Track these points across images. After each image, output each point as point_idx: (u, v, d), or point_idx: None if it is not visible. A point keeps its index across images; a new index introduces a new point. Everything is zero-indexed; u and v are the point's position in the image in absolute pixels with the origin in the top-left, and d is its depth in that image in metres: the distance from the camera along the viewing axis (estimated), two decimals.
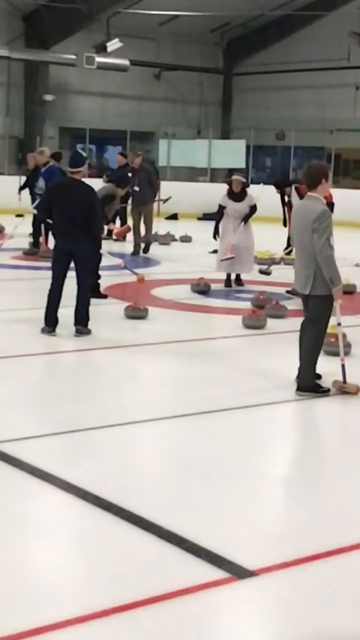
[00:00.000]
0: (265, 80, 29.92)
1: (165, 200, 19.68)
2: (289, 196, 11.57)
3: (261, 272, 11.99)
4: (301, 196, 10.92)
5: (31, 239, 15.07)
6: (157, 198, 16.23)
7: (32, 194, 14.97)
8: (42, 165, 14.79)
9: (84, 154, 9.30)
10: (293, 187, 11.45)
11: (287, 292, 10.96)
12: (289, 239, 11.76)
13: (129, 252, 15.36)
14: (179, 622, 3.55)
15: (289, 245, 11.89)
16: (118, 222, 16.13)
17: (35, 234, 14.80)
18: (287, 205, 11.77)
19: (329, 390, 6.81)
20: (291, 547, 4.25)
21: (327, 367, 7.17)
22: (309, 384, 6.74)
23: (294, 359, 6.90)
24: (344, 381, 6.84)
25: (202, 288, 11.54)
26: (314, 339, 6.72)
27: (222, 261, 12.01)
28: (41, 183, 14.54)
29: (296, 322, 7.07)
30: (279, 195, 12.03)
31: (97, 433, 5.87)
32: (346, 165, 29.25)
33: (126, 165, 17.33)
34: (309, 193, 6.72)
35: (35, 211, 14.51)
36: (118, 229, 14.61)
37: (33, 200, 14.80)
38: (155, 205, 16.87)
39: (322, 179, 6.63)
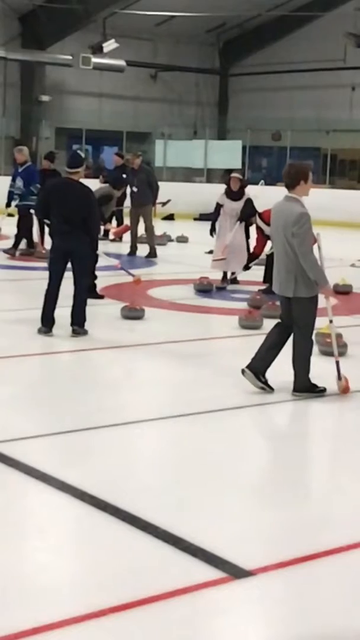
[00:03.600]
0: (261, 80, 29.97)
1: (165, 203, 19.67)
2: (256, 223, 11.62)
3: (217, 287, 11.94)
4: (264, 221, 10.99)
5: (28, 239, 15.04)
6: (157, 201, 15.95)
7: (10, 194, 14.70)
8: (20, 164, 14.60)
9: (83, 155, 9.27)
10: (256, 215, 11.54)
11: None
12: (252, 256, 11.80)
13: (125, 252, 15.33)
14: (176, 622, 3.55)
15: (251, 261, 11.86)
16: (114, 222, 16.12)
17: (27, 234, 14.71)
18: (257, 230, 11.78)
19: (324, 390, 6.81)
20: (288, 547, 4.25)
21: (323, 367, 7.18)
22: (305, 384, 6.74)
23: (289, 359, 6.88)
24: (339, 377, 6.87)
25: (205, 287, 11.57)
26: (304, 342, 6.68)
27: (215, 261, 12.09)
28: (19, 183, 14.40)
29: None
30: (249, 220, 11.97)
31: (94, 433, 5.87)
32: (342, 166, 29.29)
33: (122, 165, 17.30)
34: (287, 194, 6.70)
35: (11, 211, 14.51)
36: (116, 228, 14.58)
37: (10, 201, 14.67)
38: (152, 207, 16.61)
39: (302, 179, 6.60)
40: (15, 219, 14.85)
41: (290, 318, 6.76)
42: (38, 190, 14.26)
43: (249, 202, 11.80)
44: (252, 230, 12.08)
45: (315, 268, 6.51)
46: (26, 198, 14.34)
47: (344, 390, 6.84)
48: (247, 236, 11.91)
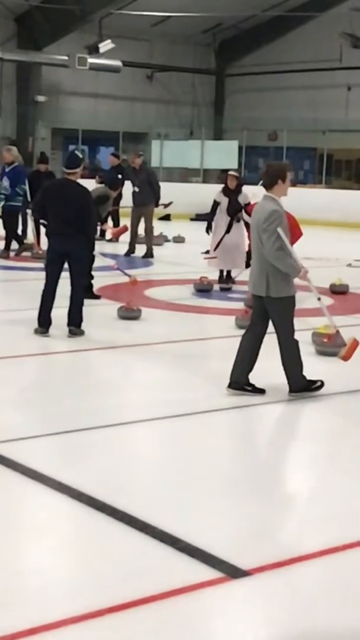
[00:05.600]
0: (257, 81, 29.99)
1: (167, 205, 19.66)
2: (243, 219, 11.69)
3: (221, 288, 11.97)
4: (249, 215, 11.04)
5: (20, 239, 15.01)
6: (160, 203, 15.89)
7: None
8: (8, 164, 14.52)
9: (80, 155, 9.27)
10: (242, 210, 11.61)
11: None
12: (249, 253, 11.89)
13: (121, 253, 15.33)
14: (173, 622, 3.56)
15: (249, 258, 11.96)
16: (110, 222, 16.12)
17: (14, 234, 14.66)
18: (246, 226, 11.86)
19: (322, 384, 6.77)
20: (284, 547, 4.26)
21: (319, 367, 7.19)
22: (300, 384, 6.72)
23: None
24: (344, 344, 7.06)
25: (205, 287, 11.59)
26: (287, 343, 6.63)
27: (206, 259, 12.16)
28: (5, 183, 14.32)
29: None
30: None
31: (91, 434, 5.87)
32: (338, 166, 29.34)
33: (118, 166, 17.30)
34: (265, 193, 6.72)
35: None
36: (113, 228, 14.57)
37: None
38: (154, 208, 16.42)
39: (279, 179, 6.58)
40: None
41: (261, 319, 6.70)
42: (24, 191, 14.26)
43: (235, 200, 11.84)
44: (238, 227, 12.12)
45: (282, 261, 6.46)
46: (13, 199, 14.28)
47: (344, 357, 6.87)
48: (228, 231, 11.92)
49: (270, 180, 6.61)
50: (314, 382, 6.79)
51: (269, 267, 6.51)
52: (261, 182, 6.78)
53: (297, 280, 6.71)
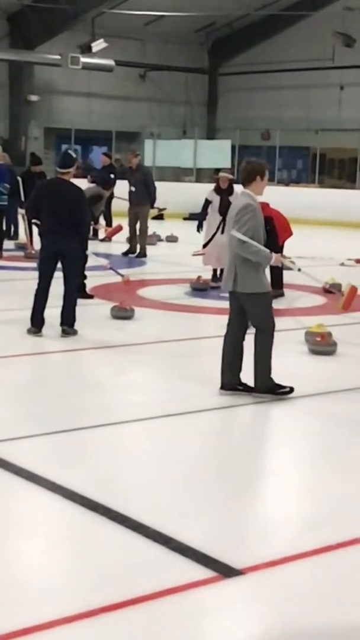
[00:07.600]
0: (250, 80, 30.00)
1: (161, 210, 19.62)
2: None
3: (211, 287, 12.00)
4: None
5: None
6: (154, 206, 15.84)
7: None
8: None
9: (74, 155, 9.25)
10: None
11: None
12: None
13: (114, 252, 15.32)
14: (166, 622, 3.56)
15: None
16: (102, 221, 16.12)
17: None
18: None
19: (290, 390, 6.69)
20: (277, 546, 4.26)
21: (313, 366, 7.20)
22: (266, 384, 6.62)
23: (281, 359, 6.88)
24: (342, 294, 7.45)
25: (201, 286, 11.61)
26: (263, 340, 6.58)
27: (194, 256, 12.19)
28: None
29: (282, 322, 7.06)
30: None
31: (84, 433, 5.87)
32: (331, 165, 29.37)
33: (110, 165, 17.31)
34: (242, 189, 6.74)
35: None
36: (108, 228, 14.57)
37: None
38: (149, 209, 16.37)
39: (257, 176, 6.60)
40: None
41: (238, 316, 6.67)
42: (8, 190, 14.20)
43: (226, 199, 11.84)
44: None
45: (250, 249, 6.44)
46: None
47: (344, 306, 6.86)
48: (221, 231, 11.94)
49: (248, 176, 6.64)
50: (282, 387, 6.69)
51: (238, 261, 6.52)
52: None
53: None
